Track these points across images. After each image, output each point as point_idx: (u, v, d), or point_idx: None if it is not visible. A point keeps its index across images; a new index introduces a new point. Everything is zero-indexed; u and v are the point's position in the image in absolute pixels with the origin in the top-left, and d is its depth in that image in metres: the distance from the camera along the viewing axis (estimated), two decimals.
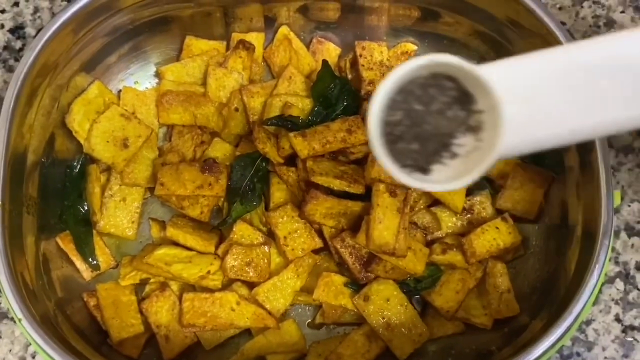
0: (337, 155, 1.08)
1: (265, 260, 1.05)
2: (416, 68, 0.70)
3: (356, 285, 1.05)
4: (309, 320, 1.10)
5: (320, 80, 1.11)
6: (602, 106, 0.72)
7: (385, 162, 0.72)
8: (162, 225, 1.12)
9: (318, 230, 1.06)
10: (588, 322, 1.11)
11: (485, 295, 1.06)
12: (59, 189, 1.09)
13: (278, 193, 1.08)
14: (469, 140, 0.73)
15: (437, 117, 0.72)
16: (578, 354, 1.10)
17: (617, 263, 1.13)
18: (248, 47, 1.13)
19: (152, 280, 1.08)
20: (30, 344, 1.09)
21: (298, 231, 1.05)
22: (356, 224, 1.04)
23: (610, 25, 1.25)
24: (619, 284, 1.12)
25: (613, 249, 1.13)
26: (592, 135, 0.73)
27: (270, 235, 1.08)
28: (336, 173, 1.04)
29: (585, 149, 1.00)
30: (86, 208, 1.09)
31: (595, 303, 1.11)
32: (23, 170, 1.02)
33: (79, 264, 1.08)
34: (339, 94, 1.11)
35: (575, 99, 0.72)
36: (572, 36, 1.10)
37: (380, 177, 1.01)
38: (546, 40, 1.02)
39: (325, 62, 1.11)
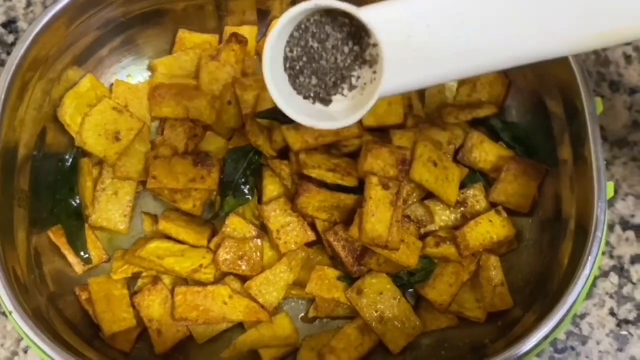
0: (329, 149, 1.08)
1: (258, 254, 1.04)
2: (303, 12, 0.74)
3: (349, 279, 1.05)
4: (302, 314, 1.10)
5: None
6: (475, 47, 0.74)
7: (272, 92, 0.77)
8: (154, 219, 1.11)
9: (311, 224, 1.06)
10: (582, 316, 1.11)
11: (479, 289, 1.06)
12: (51, 183, 1.08)
13: (271, 186, 1.08)
14: (365, 73, 0.78)
15: (333, 53, 0.77)
16: (572, 348, 1.09)
17: (611, 257, 1.13)
18: (241, 40, 1.13)
19: (144, 274, 1.07)
20: (22, 338, 1.09)
21: (291, 224, 1.04)
22: (349, 217, 1.03)
23: None
24: (614, 278, 1.12)
25: (607, 243, 1.13)
26: (472, 74, 0.77)
27: (263, 229, 1.07)
28: (329, 166, 1.04)
29: (578, 142, 1.00)
30: (78, 201, 1.09)
31: (589, 297, 1.11)
32: (14, 164, 1.01)
33: (71, 257, 1.08)
34: None
35: (450, 40, 0.74)
36: None
37: (373, 170, 1.00)
38: None
39: None
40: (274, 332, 1.04)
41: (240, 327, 1.07)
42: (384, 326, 1.03)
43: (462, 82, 1.15)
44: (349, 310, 1.06)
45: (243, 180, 1.08)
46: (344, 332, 1.04)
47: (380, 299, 1.03)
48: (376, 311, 1.03)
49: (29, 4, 1.26)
